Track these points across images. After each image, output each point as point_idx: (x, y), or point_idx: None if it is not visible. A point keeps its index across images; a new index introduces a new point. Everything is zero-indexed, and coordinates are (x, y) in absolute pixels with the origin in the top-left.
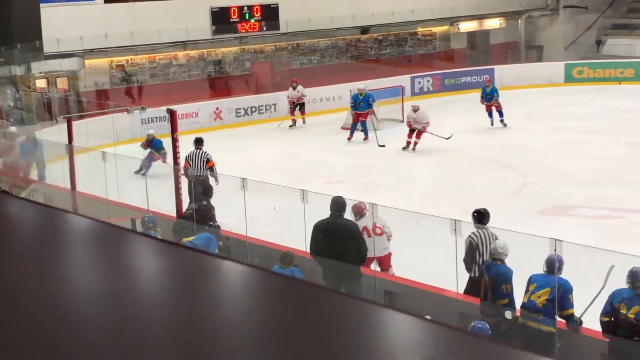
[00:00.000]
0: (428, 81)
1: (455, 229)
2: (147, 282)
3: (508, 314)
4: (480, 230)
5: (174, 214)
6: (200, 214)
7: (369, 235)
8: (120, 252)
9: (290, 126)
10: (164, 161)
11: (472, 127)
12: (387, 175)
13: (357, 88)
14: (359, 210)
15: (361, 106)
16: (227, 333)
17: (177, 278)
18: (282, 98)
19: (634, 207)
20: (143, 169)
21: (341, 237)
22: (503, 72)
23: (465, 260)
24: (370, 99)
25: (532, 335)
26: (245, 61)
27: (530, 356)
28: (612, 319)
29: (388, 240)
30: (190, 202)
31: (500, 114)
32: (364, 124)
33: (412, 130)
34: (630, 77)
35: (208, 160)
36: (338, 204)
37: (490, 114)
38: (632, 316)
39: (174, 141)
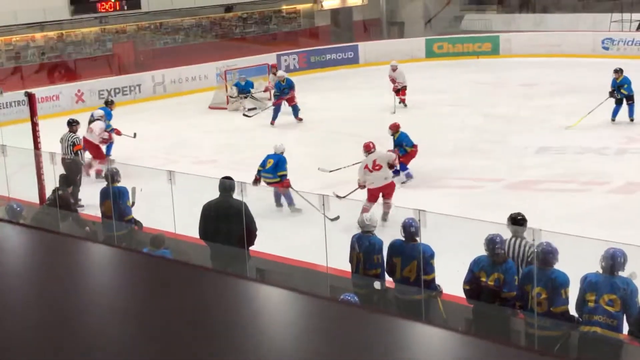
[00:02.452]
0: (294, 59)
1: (323, 204)
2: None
3: (377, 285)
4: (513, 239)
5: (36, 200)
6: (63, 200)
7: (370, 171)
8: None
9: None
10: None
11: (338, 104)
12: (257, 153)
13: (277, 76)
14: (367, 149)
15: (285, 92)
16: (96, 306)
17: (46, 262)
18: (146, 78)
19: (493, 176)
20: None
21: (229, 217)
22: (366, 49)
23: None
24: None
25: (403, 304)
26: (107, 42)
27: (399, 321)
28: (474, 286)
29: (391, 169)
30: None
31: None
32: (295, 108)
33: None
34: (488, 51)
35: (74, 144)
36: (225, 185)
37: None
38: (492, 283)
39: (34, 125)
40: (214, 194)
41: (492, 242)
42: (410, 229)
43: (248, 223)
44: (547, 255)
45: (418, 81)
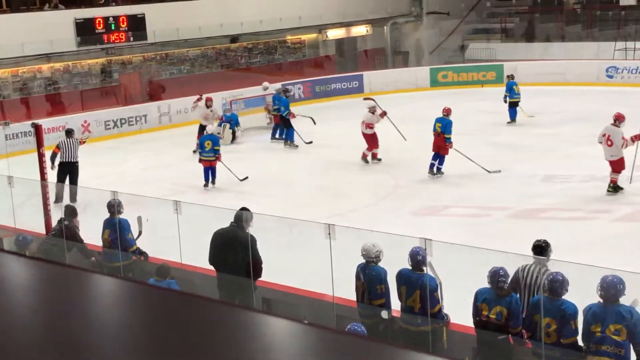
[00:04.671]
0: (299, 88)
1: (329, 233)
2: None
3: (384, 314)
4: (532, 266)
5: (42, 230)
6: (68, 230)
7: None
8: None
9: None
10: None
11: (343, 132)
12: (262, 183)
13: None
14: (371, 109)
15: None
16: (105, 341)
17: (53, 295)
18: (152, 109)
19: (498, 204)
20: None
21: (235, 247)
22: (371, 78)
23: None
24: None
25: (408, 334)
26: (113, 72)
27: (406, 352)
28: (478, 319)
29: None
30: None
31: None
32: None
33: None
34: (492, 79)
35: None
36: (237, 215)
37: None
38: (494, 316)
39: (40, 156)
40: (220, 223)
41: (495, 275)
42: (416, 258)
43: (254, 256)
44: (556, 285)
45: (423, 110)
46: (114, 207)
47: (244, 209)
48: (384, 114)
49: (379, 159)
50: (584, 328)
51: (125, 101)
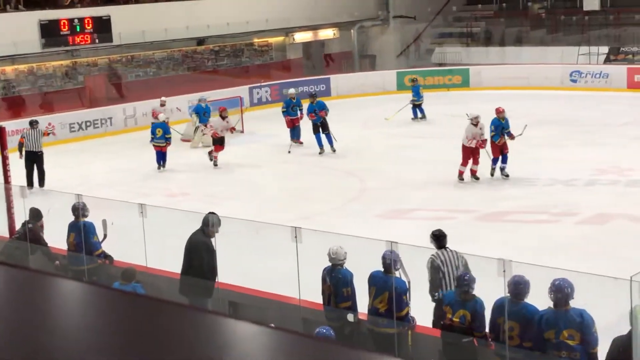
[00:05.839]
0: (266, 91)
1: (295, 236)
2: None
3: (350, 317)
4: (441, 251)
5: (6, 234)
6: (32, 233)
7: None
8: None
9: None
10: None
11: (311, 135)
12: (230, 186)
13: (288, 93)
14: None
15: (294, 110)
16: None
17: (16, 299)
18: (118, 111)
19: (464, 207)
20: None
21: (198, 252)
22: (338, 81)
23: (432, 283)
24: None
25: (375, 337)
26: (78, 75)
27: (372, 356)
28: (443, 322)
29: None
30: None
31: None
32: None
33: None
34: (458, 83)
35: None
36: (204, 219)
37: None
38: (457, 320)
39: (4, 159)
40: (186, 227)
41: (459, 280)
42: (386, 261)
43: (212, 259)
44: (520, 287)
45: (390, 113)
46: (78, 210)
47: (211, 213)
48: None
49: (477, 178)
50: (538, 335)
51: (90, 103)
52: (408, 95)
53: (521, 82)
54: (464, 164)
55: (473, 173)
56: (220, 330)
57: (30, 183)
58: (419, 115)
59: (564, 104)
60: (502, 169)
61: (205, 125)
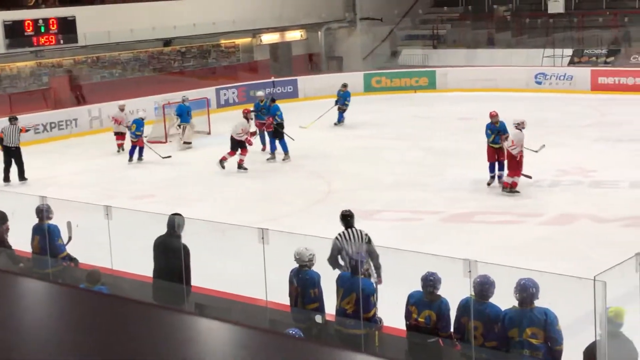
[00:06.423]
0: (233, 93)
1: (262, 238)
2: None
3: (318, 318)
4: (348, 230)
5: None
6: None
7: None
8: None
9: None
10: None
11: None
12: (197, 188)
13: (257, 95)
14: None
15: (262, 114)
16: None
17: None
18: (83, 113)
19: (430, 208)
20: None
21: (168, 254)
22: (306, 83)
23: (330, 256)
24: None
25: (342, 338)
26: (43, 76)
27: (339, 353)
28: (409, 322)
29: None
30: None
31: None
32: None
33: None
34: (425, 85)
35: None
36: (169, 221)
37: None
38: (422, 320)
39: None
40: (151, 228)
41: (425, 280)
42: (352, 262)
43: (187, 261)
44: (485, 287)
45: (357, 115)
46: (42, 212)
47: (176, 214)
48: None
49: (517, 191)
50: (501, 334)
51: (55, 105)
52: (376, 97)
53: (487, 83)
54: (517, 173)
55: (505, 185)
56: (186, 329)
57: (6, 178)
58: (342, 120)
59: (528, 106)
60: (499, 177)
61: (186, 125)
